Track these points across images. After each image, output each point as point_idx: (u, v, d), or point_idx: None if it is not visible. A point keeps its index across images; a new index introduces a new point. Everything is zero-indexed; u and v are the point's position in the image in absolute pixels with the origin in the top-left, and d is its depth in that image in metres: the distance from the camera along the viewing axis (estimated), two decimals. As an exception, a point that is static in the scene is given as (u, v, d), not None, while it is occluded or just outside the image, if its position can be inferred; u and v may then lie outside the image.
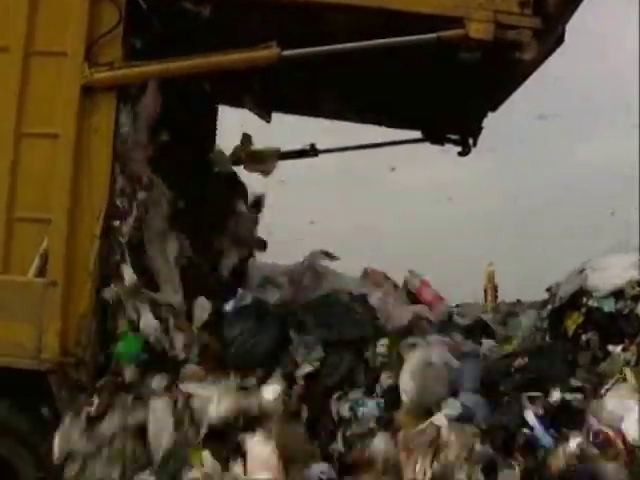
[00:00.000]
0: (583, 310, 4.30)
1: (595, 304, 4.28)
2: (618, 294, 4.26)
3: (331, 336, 4.25)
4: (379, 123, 6.24)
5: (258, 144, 6.14)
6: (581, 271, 4.54)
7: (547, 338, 4.47)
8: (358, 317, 4.46)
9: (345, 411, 3.95)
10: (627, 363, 3.96)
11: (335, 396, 4.03)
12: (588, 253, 4.67)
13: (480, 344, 4.58)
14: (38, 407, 4.27)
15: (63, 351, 4.18)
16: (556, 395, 3.79)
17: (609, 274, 4.34)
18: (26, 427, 4.28)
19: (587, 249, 4.92)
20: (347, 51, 4.32)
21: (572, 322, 4.30)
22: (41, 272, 4.30)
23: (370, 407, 3.93)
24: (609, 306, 4.23)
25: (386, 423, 3.90)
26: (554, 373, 3.99)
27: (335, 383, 4.09)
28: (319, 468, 3.75)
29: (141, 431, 3.96)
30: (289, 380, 4.09)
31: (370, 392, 4.03)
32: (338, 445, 3.89)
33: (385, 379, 4.04)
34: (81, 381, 4.17)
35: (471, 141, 6.22)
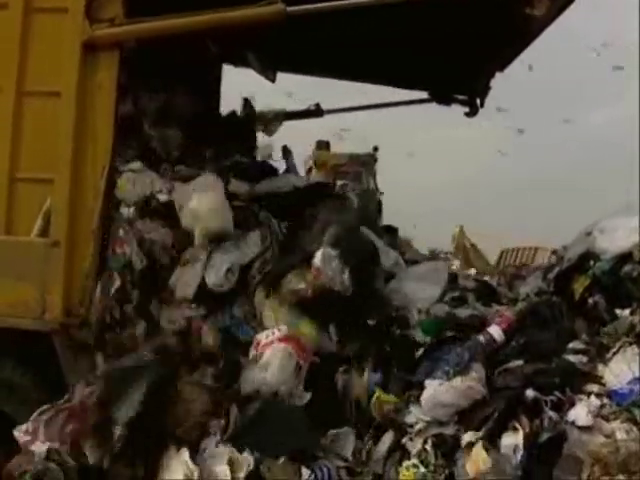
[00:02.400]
0: (590, 273, 4.27)
1: (601, 267, 4.25)
2: (626, 257, 4.23)
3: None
4: (386, 83, 6.17)
5: (262, 105, 6.10)
6: (588, 233, 4.50)
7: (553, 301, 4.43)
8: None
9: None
10: (633, 327, 3.95)
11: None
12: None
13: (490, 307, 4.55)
14: (42, 367, 4.27)
15: (66, 311, 4.17)
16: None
17: (616, 237, 4.29)
18: (30, 387, 4.28)
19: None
20: (353, 7, 4.24)
21: (579, 285, 4.27)
22: (44, 232, 4.28)
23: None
24: (611, 269, 4.21)
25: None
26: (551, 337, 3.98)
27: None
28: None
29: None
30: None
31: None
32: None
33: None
34: (85, 341, 4.18)
35: (478, 101, 6.15)
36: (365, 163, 17.69)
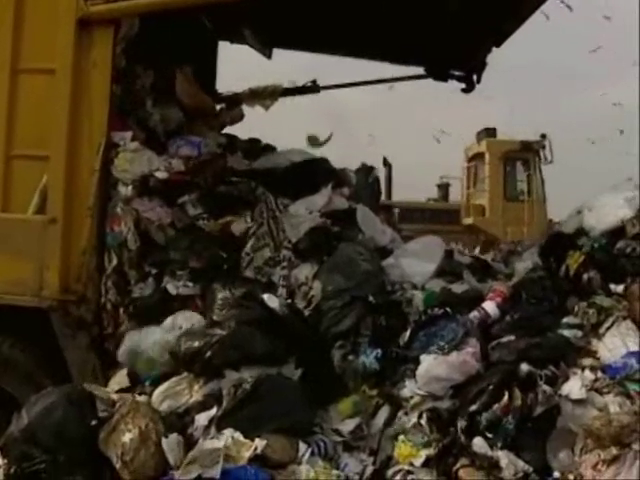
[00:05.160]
0: (584, 250, 4.29)
1: (598, 241, 4.27)
2: (619, 233, 4.24)
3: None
4: (382, 58, 6.15)
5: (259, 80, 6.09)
6: (579, 211, 4.53)
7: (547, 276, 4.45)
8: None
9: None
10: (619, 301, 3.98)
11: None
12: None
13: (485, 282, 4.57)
14: (42, 344, 4.29)
15: (64, 288, 4.19)
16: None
17: (602, 213, 4.32)
18: (30, 364, 4.31)
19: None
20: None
21: (573, 261, 4.29)
22: (41, 209, 4.29)
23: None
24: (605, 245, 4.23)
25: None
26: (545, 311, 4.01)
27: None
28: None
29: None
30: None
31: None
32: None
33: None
34: (82, 318, 4.20)
35: (475, 77, 6.13)
36: (534, 149, 17.91)
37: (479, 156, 19.93)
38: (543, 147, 18.25)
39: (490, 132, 19.28)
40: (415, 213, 18.47)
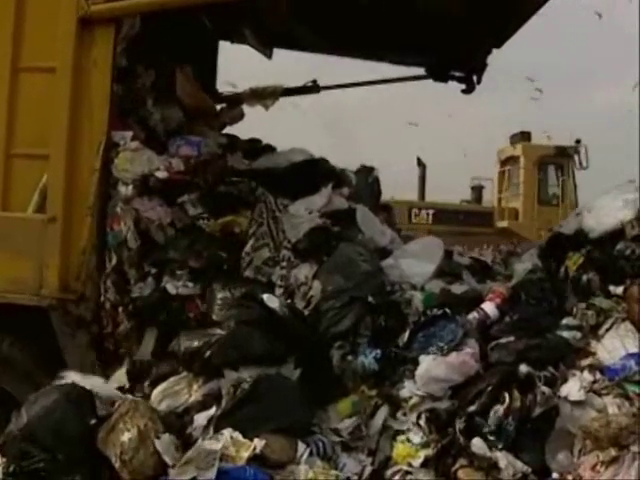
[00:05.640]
0: (583, 252, 4.29)
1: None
2: (618, 234, 4.25)
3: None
4: (382, 59, 6.15)
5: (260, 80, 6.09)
6: (578, 213, 4.55)
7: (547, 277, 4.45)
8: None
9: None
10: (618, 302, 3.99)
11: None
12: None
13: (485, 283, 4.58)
14: (41, 343, 4.29)
15: (63, 287, 4.19)
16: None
17: (601, 214, 4.33)
18: (29, 363, 4.31)
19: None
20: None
21: (572, 263, 4.30)
22: (41, 208, 4.29)
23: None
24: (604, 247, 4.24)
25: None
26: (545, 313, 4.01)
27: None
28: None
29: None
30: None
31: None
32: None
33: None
34: (82, 317, 4.20)
35: (475, 78, 6.13)
36: (568, 154, 17.98)
37: (512, 159, 19.98)
38: (577, 152, 18.33)
39: (525, 136, 19.31)
40: (449, 214, 18.52)
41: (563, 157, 18.97)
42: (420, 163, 16.49)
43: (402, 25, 5.35)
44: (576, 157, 18.58)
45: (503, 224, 19.62)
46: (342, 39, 5.82)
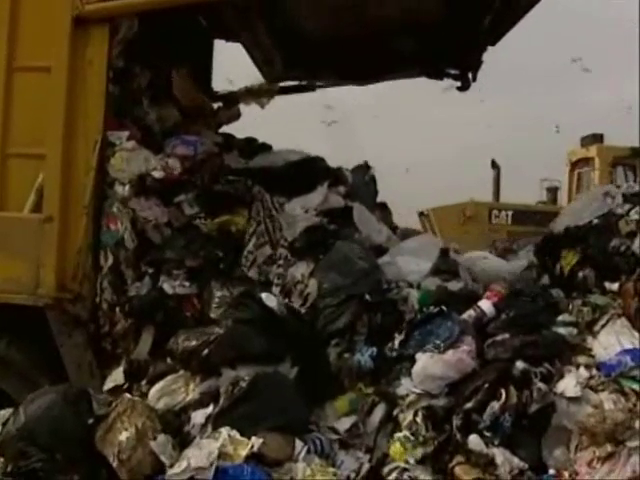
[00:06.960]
0: (578, 248, 4.31)
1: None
2: (614, 231, 4.27)
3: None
4: (380, 80, 6.18)
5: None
6: (572, 209, 4.58)
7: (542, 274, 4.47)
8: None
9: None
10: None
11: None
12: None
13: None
14: (38, 343, 4.29)
15: (60, 286, 4.19)
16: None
17: (591, 209, 4.36)
18: (26, 363, 4.31)
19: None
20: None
21: (567, 263, 4.32)
22: (37, 208, 4.29)
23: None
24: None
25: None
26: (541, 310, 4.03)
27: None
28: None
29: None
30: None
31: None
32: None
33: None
34: (78, 316, 4.20)
35: (470, 76, 6.13)
36: None
37: (584, 161, 19.94)
38: None
39: (598, 138, 19.27)
40: (528, 215, 18.54)
41: (636, 158, 18.91)
42: (495, 165, 16.53)
43: (396, 23, 5.36)
44: None
45: (579, 225, 19.66)
46: (338, 72, 5.89)
